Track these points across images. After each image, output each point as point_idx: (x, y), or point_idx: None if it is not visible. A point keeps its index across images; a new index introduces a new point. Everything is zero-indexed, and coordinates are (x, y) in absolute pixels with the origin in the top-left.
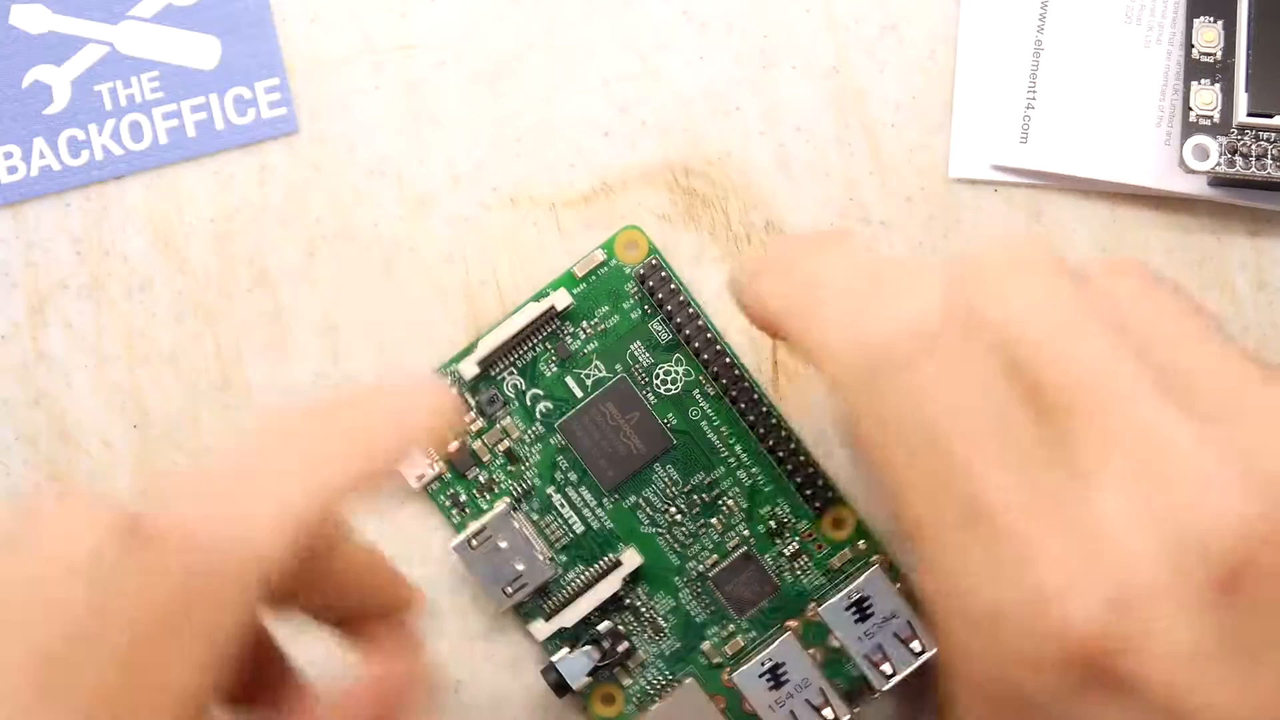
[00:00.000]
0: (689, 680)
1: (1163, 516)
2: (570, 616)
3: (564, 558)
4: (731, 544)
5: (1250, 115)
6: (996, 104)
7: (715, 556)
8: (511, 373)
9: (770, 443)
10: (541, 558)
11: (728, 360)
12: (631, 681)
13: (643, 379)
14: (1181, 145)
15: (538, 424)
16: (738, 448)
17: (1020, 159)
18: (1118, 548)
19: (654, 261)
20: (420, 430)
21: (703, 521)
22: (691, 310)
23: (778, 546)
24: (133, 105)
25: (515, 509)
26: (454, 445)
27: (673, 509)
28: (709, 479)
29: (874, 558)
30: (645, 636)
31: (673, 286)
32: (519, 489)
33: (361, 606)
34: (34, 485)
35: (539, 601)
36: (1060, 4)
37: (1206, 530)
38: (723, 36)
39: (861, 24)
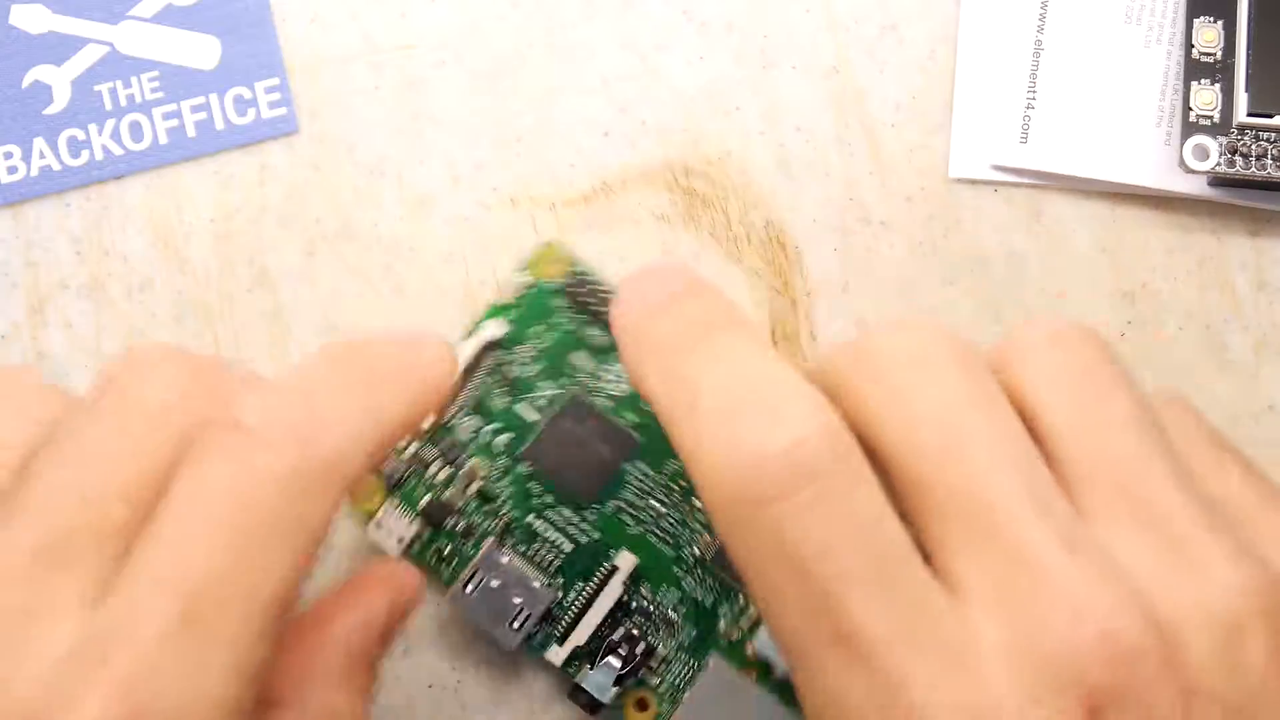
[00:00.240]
0: (714, 660)
1: (1026, 643)
2: (582, 634)
3: (560, 579)
4: None
5: (1250, 115)
6: (996, 104)
7: (707, 536)
8: (463, 415)
9: None
10: (538, 585)
11: None
12: (659, 680)
13: (592, 386)
14: (1181, 145)
15: (502, 457)
16: None
17: (1020, 159)
18: (982, 676)
19: (576, 270)
20: (445, 380)
21: (686, 506)
22: None
23: None
24: (133, 105)
25: (501, 545)
26: (426, 496)
27: (653, 502)
28: (680, 464)
29: None
30: (660, 633)
31: (601, 291)
32: (499, 525)
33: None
34: None
35: (547, 629)
36: (1060, 4)
37: (1066, 657)
38: (723, 36)
39: (861, 24)
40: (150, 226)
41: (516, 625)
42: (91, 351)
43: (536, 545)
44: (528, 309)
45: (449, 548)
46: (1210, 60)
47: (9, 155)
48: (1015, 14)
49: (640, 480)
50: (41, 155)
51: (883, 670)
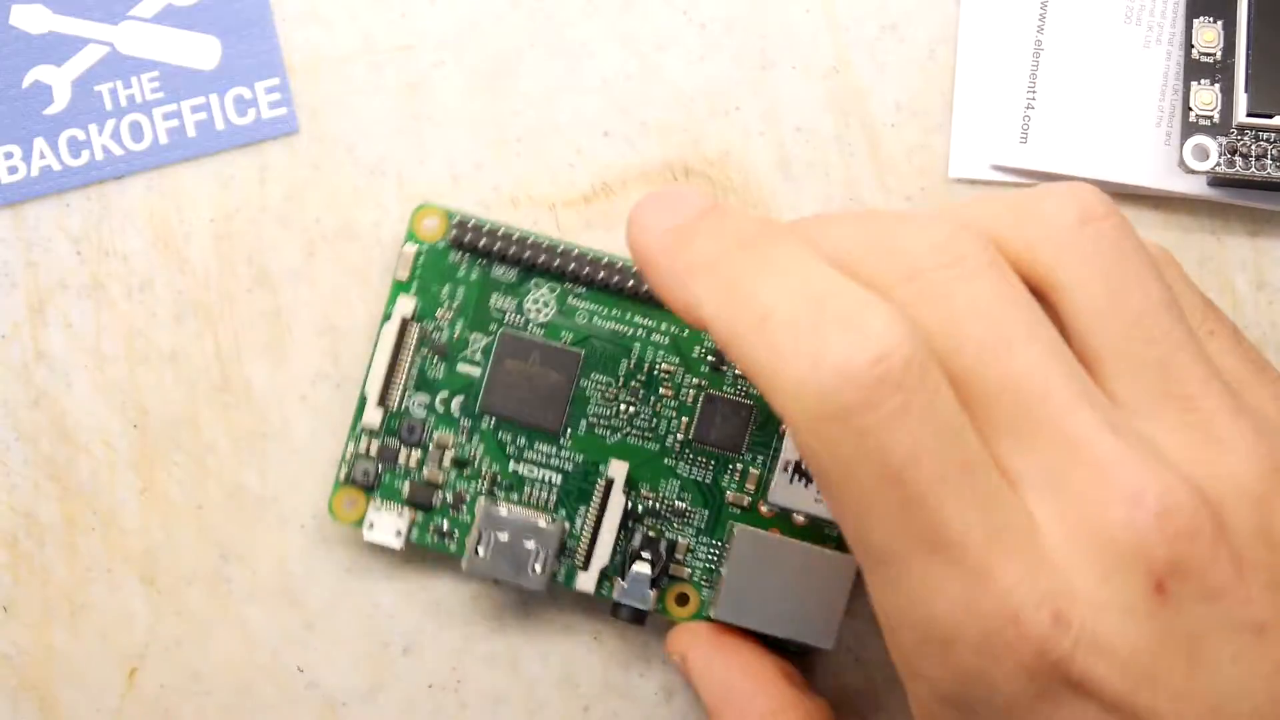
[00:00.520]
0: (736, 529)
1: (1090, 528)
2: (602, 554)
3: (562, 511)
4: (689, 399)
5: (1250, 115)
6: (996, 104)
7: (684, 418)
8: (410, 395)
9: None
10: (543, 524)
11: (573, 253)
12: (691, 570)
13: (519, 321)
14: (1181, 145)
15: (462, 421)
16: (636, 318)
17: (1020, 159)
18: (1057, 564)
19: (458, 221)
20: None
21: (653, 399)
22: (515, 236)
23: (727, 372)
24: (133, 105)
25: (494, 501)
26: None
27: (621, 406)
28: (632, 361)
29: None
30: (675, 525)
31: (486, 229)
32: (486, 484)
33: None
34: (34, 485)
35: (568, 562)
36: (1060, 4)
37: (1128, 539)
38: (723, 36)
39: (861, 24)
40: (150, 226)
41: (538, 568)
42: (91, 351)
43: (527, 488)
44: (426, 275)
45: (446, 523)
46: (1210, 60)
47: (9, 155)
48: (1015, 14)
49: (601, 390)
50: (41, 155)
51: (973, 569)
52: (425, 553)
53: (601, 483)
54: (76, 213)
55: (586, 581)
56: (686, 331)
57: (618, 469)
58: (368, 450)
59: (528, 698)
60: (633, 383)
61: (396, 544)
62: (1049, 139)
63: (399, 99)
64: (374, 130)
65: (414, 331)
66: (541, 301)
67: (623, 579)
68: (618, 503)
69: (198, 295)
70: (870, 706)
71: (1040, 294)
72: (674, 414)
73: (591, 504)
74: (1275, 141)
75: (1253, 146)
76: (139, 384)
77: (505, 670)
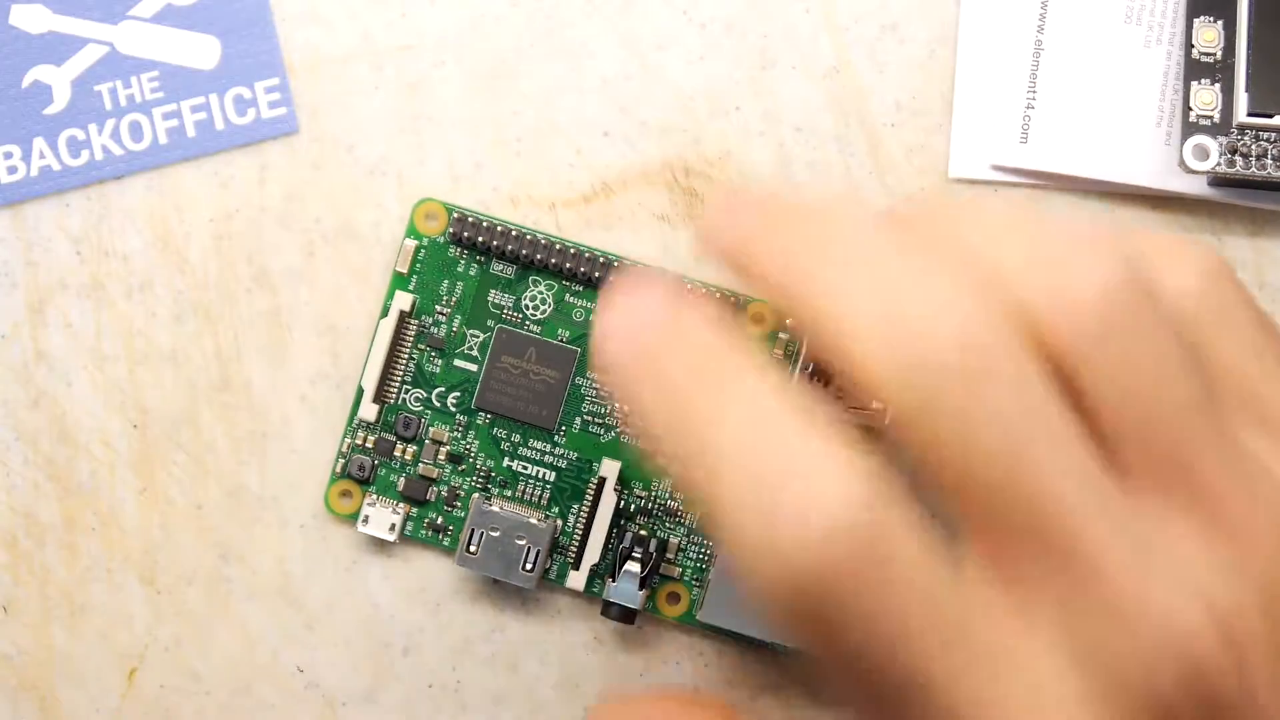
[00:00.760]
0: None
1: (1096, 657)
2: (593, 552)
3: (555, 509)
4: None
5: (1250, 115)
6: (996, 104)
7: None
8: (407, 389)
9: None
10: (535, 521)
11: (571, 251)
12: (681, 569)
13: (516, 318)
14: (1181, 145)
15: (457, 416)
16: None
17: (1020, 159)
18: (1050, 696)
19: (458, 217)
20: None
21: None
22: (514, 233)
23: None
24: (133, 105)
25: (487, 498)
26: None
27: (615, 404)
28: None
29: None
30: (667, 524)
31: (486, 225)
32: (479, 480)
33: None
34: (33, 485)
35: (559, 559)
36: (1060, 4)
37: (1137, 672)
38: (723, 36)
39: (861, 24)
40: (150, 226)
41: (529, 566)
42: (91, 351)
43: (521, 485)
44: (426, 269)
45: (439, 518)
46: (1210, 60)
47: (9, 155)
48: (1015, 14)
49: (595, 388)
50: (41, 155)
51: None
52: (425, 553)
53: (595, 481)
54: (76, 213)
55: (577, 580)
56: None
57: (610, 468)
58: (363, 444)
59: (528, 698)
60: None
61: (390, 538)
62: (1049, 139)
63: (399, 99)
64: (374, 130)
65: (413, 326)
66: (539, 299)
67: (613, 578)
68: (610, 501)
69: (198, 295)
70: None
71: (1058, 357)
72: None
73: (584, 502)
74: (1275, 141)
75: (1253, 146)
76: (139, 384)
77: (505, 670)
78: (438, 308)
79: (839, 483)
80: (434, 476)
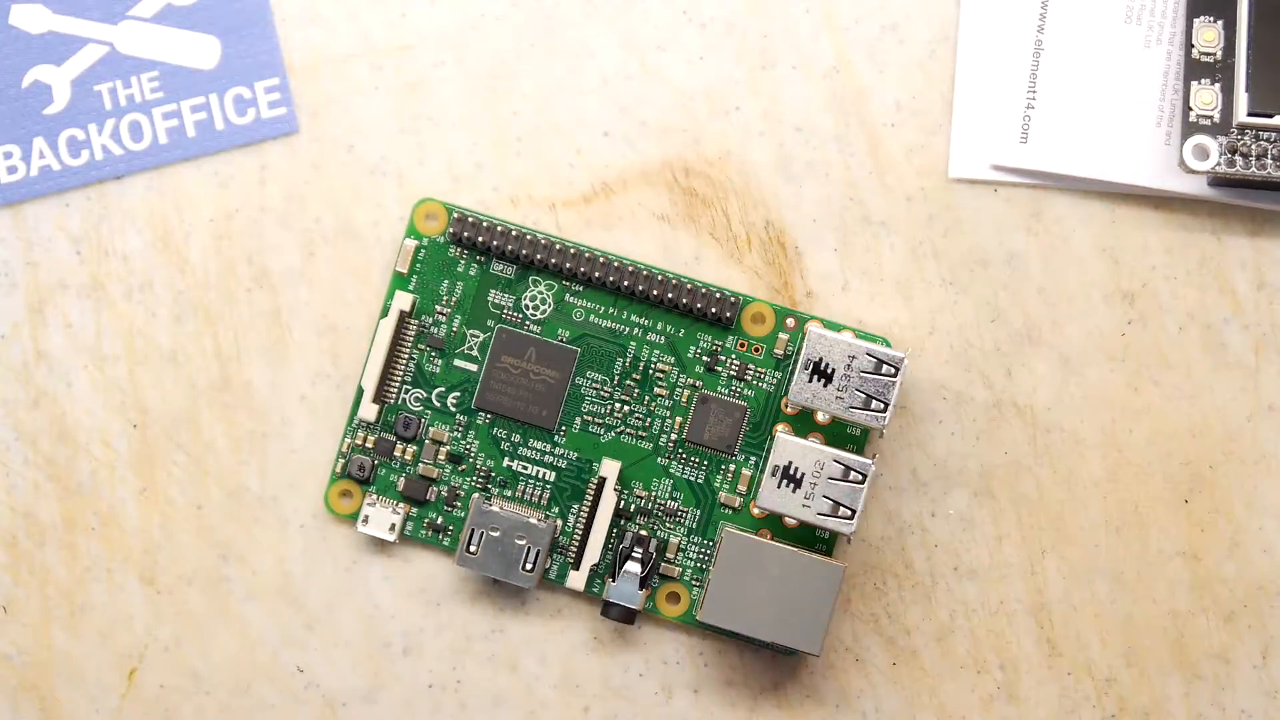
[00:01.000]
0: (725, 530)
1: None
2: (593, 552)
3: (555, 509)
4: (683, 398)
5: (1250, 115)
6: (996, 104)
7: (678, 418)
8: (406, 389)
9: (655, 294)
10: (535, 521)
11: (571, 251)
12: (681, 569)
13: (516, 318)
14: (1181, 145)
15: (457, 416)
16: (632, 317)
17: (1020, 159)
18: None
19: (458, 217)
20: None
21: (647, 398)
22: (514, 233)
23: (722, 373)
24: (133, 105)
25: (487, 498)
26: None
27: (615, 404)
28: (628, 360)
29: (806, 324)
30: (667, 524)
31: (486, 225)
32: (479, 480)
33: None
34: (33, 485)
35: (559, 559)
36: (1060, 4)
37: None
38: (723, 36)
39: (861, 24)
40: (150, 226)
41: (529, 566)
42: (91, 351)
43: (521, 485)
44: (426, 270)
45: (439, 518)
46: (1210, 60)
47: (9, 155)
48: (1015, 14)
49: (595, 388)
50: (41, 155)
51: None
52: (425, 553)
53: (595, 481)
54: (76, 213)
55: (577, 580)
56: (682, 332)
57: (610, 468)
58: (363, 444)
59: (528, 698)
60: (627, 381)
61: (390, 538)
62: (1049, 139)
63: (399, 99)
64: (374, 130)
65: (413, 326)
66: (539, 299)
67: (613, 578)
68: (610, 501)
69: (198, 295)
70: (870, 706)
71: None
72: (668, 413)
73: (584, 502)
74: (1275, 141)
75: (1253, 146)
76: (139, 384)
77: (505, 670)
78: (438, 308)
79: None
80: (434, 476)
